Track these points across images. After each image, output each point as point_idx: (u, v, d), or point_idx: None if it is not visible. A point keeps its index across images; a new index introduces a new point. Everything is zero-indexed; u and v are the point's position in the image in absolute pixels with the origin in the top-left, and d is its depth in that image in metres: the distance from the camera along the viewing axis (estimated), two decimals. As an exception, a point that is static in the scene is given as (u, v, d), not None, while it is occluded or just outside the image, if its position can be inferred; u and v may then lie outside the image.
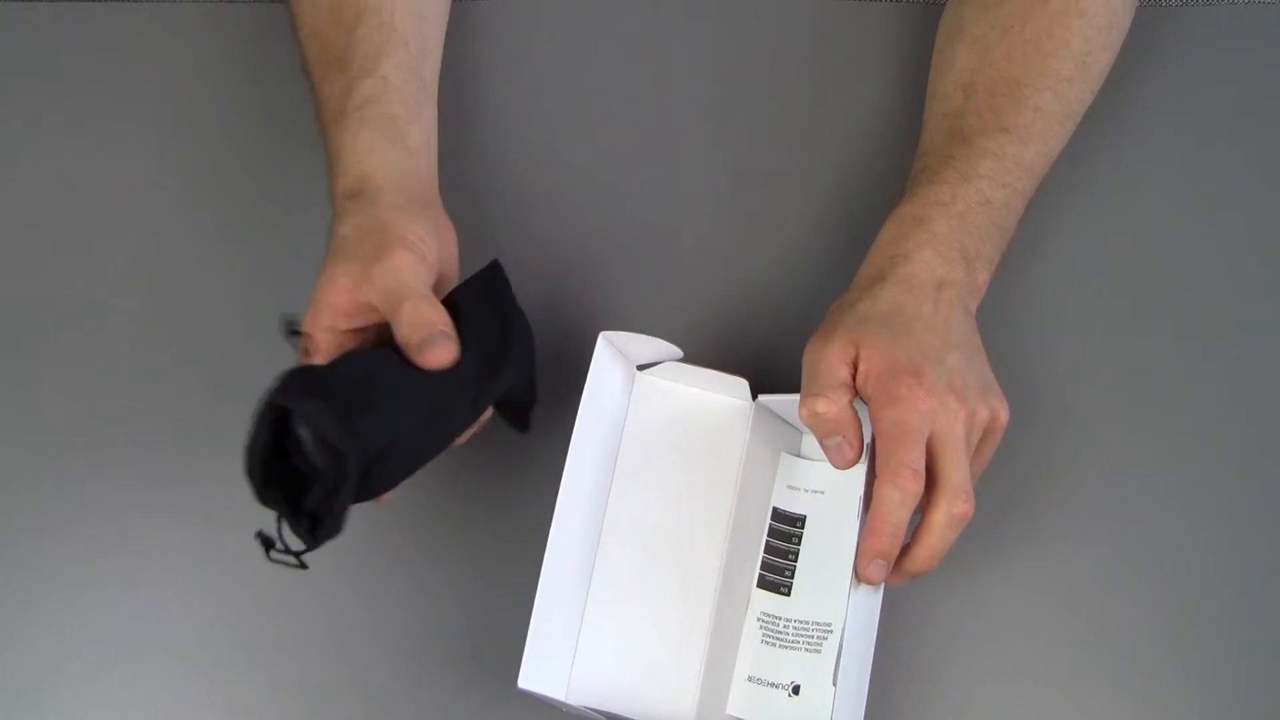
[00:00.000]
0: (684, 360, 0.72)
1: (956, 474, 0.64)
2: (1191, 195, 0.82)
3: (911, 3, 0.87)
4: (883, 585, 0.67)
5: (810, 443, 0.72)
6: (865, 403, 0.65)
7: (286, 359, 0.70)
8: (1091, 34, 0.75)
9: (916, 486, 0.63)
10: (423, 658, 0.72)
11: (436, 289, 0.66)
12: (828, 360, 0.65)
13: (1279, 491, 0.75)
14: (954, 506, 0.63)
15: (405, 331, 0.62)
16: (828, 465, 0.70)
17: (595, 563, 0.69)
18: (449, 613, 0.73)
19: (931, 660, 0.72)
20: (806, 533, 0.69)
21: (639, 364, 0.72)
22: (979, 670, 0.71)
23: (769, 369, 0.76)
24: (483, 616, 0.73)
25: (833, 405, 0.64)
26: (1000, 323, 0.76)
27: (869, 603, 0.67)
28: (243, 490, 0.74)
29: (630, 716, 0.65)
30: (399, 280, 0.63)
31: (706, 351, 0.76)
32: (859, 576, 0.65)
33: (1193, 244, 0.81)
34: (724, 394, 0.71)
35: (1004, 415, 0.67)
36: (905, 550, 0.65)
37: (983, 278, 0.71)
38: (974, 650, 0.72)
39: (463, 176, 0.81)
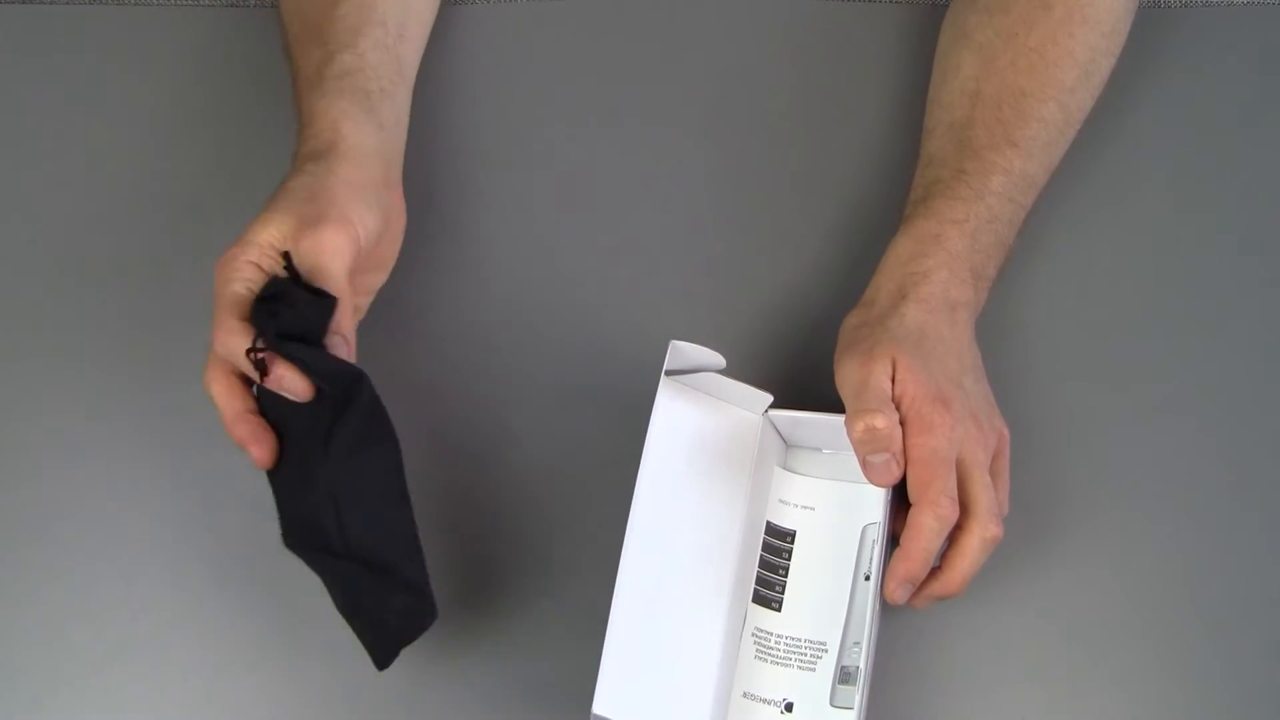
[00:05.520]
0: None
1: (985, 498, 0.65)
2: (1191, 196, 0.82)
3: (913, 3, 0.87)
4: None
5: (795, 456, 0.72)
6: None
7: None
8: (1095, 41, 0.75)
9: (954, 514, 0.64)
10: (440, 662, 0.72)
11: (359, 267, 0.67)
12: (876, 377, 0.65)
13: None
14: (986, 531, 0.65)
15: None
16: (816, 481, 0.70)
17: (619, 570, 0.69)
18: (465, 616, 0.73)
19: (928, 668, 0.72)
20: (796, 548, 0.69)
21: (668, 369, 0.72)
22: (977, 678, 0.71)
23: (782, 379, 0.76)
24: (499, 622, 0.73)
25: (888, 421, 0.64)
26: (1000, 324, 0.76)
27: (876, 625, 0.67)
28: (245, 489, 0.74)
29: None
30: (318, 260, 0.64)
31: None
32: (887, 599, 0.65)
33: (1192, 245, 0.81)
34: (742, 406, 0.71)
35: (1007, 433, 0.69)
36: (934, 574, 0.66)
37: (983, 297, 0.72)
38: (972, 657, 0.72)
39: (458, 180, 0.81)
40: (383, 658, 0.65)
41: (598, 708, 0.62)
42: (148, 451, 0.75)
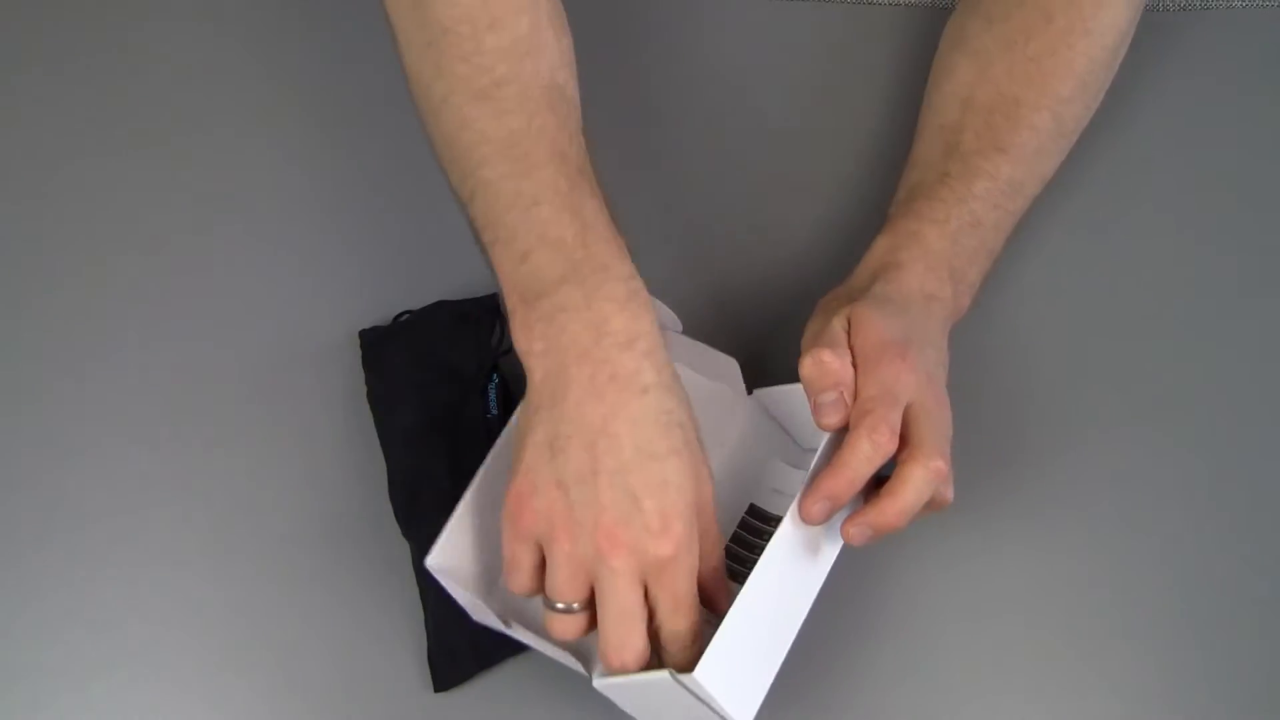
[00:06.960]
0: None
1: (933, 436, 0.63)
2: (1191, 197, 0.82)
3: (911, 6, 0.87)
4: (829, 566, 0.65)
5: (805, 458, 0.72)
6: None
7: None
8: (1096, 54, 0.74)
9: (891, 445, 0.62)
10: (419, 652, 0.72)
11: None
12: (831, 327, 0.65)
13: (1278, 492, 0.75)
14: (931, 461, 0.62)
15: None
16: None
17: None
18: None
19: (928, 668, 0.71)
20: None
21: None
22: (977, 678, 0.71)
23: (759, 358, 0.76)
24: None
25: (837, 357, 0.63)
26: (999, 324, 0.76)
27: (801, 573, 0.64)
28: (245, 490, 0.74)
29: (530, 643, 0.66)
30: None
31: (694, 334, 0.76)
32: (804, 517, 0.63)
33: (1192, 246, 0.81)
34: (714, 376, 0.71)
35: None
36: (875, 503, 0.63)
37: (964, 301, 0.71)
38: (972, 657, 0.72)
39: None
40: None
41: (430, 560, 0.65)
42: (148, 452, 0.76)
